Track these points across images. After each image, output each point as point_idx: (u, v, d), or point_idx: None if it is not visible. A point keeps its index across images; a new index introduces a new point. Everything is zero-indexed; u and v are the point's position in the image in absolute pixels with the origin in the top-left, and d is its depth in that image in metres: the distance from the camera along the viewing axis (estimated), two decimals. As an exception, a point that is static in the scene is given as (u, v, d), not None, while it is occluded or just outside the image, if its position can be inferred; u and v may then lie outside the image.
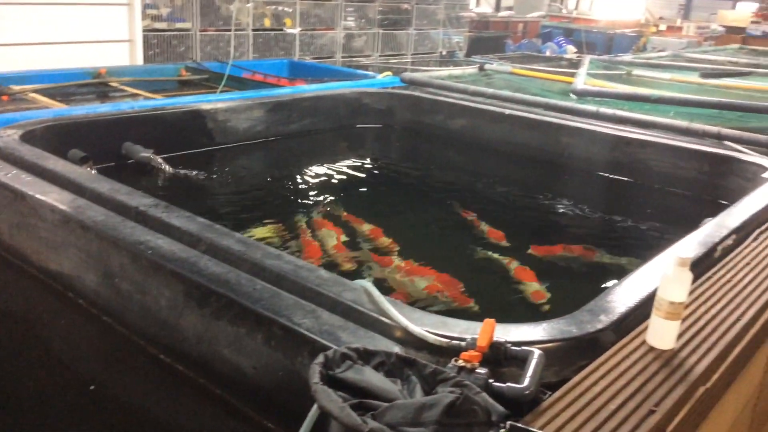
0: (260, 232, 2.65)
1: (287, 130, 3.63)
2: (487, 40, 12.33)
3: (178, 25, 7.55)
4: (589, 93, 3.87)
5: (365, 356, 1.12)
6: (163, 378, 1.65)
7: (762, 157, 2.78)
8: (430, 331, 1.29)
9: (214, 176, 3.21)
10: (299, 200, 3.21)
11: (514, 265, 2.45)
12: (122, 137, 2.99)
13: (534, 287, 2.29)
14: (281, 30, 8.51)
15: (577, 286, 2.45)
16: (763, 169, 2.59)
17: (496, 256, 2.55)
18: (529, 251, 2.60)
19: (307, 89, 4.16)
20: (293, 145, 3.67)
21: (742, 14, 17.82)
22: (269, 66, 5.87)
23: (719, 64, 6.22)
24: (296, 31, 8.55)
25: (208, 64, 5.65)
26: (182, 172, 3.03)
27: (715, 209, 2.15)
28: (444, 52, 10.36)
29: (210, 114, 3.31)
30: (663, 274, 1.29)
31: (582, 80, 4.12)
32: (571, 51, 12.39)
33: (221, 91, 4.30)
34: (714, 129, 3.07)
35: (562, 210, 3.19)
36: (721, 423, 1.44)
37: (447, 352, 1.24)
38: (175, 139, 3.19)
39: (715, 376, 1.27)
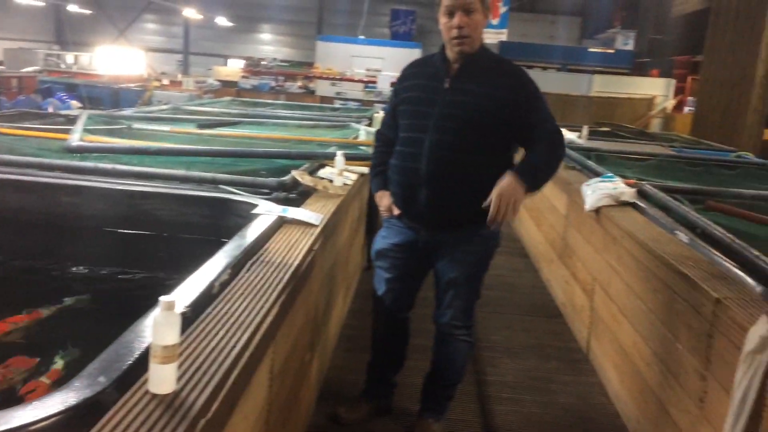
0: None
1: None
2: (-24, 97, 10.97)
3: None
4: (86, 149, 3.76)
5: None
6: None
7: (251, 196, 3.12)
8: None
9: None
10: None
11: None
12: None
13: None
14: None
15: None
16: (252, 206, 2.90)
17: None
18: None
19: None
20: None
21: (233, 70, 20.00)
22: None
23: (215, 115, 6.80)
24: None
25: None
26: None
27: (219, 248, 2.30)
28: None
29: None
30: (153, 321, 1.32)
31: (78, 136, 3.98)
32: (76, 106, 12.02)
33: None
34: (209, 175, 3.33)
35: (70, 273, 3.00)
36: (232, 445, 1.54)
37: None
38: None
39: (215, 406, 1.35)
